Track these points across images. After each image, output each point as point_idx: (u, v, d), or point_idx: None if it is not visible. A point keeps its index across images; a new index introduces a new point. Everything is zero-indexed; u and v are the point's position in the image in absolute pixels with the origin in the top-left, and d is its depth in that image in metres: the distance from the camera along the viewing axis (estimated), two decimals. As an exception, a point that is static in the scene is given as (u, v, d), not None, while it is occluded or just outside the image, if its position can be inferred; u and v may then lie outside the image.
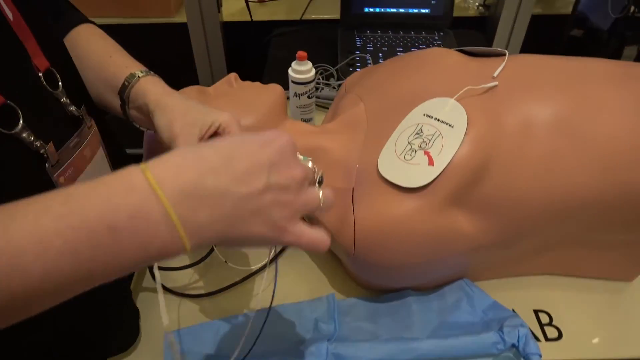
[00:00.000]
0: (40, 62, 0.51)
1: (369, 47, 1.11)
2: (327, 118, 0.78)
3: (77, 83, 0.60)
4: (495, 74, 0.61)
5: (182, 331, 0.60)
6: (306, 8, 1.33)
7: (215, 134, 0.51)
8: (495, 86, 0.60)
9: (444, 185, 0.54)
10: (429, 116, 0.58)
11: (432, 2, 1.15)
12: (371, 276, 0.61)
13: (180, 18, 1.28)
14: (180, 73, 1.36)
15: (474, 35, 1.26)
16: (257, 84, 0.69)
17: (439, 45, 1.11)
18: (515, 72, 0.62)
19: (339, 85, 1.00)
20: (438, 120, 0.57)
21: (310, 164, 0.40)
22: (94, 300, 0.57)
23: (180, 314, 0.64)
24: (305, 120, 0.90)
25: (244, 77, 1.31)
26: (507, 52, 0.65)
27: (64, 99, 0.53)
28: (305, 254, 0.72)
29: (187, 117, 0.51)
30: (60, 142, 0.51)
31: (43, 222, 0.28)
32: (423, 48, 1.11)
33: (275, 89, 0.69)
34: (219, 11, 1.25)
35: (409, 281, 0.62)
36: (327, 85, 1.01)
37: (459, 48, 0.70)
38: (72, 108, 0.54)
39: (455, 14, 1.29)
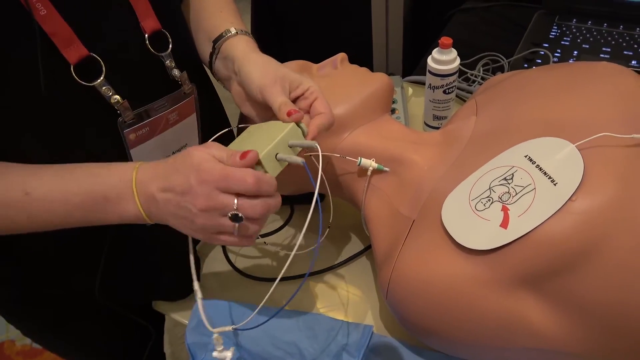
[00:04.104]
0: (149, 24, 0.53)
1: (565, 40, 0.88)
2: (447, 122, 0.65)
3: (188, 48, 0.61)
4: (669, 122, 0.41)
5: (213, 302, 0.60)
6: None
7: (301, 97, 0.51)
8: (660, 140, 0.40)
9: (517, 260, 0.40)
10: (530, 160, 0.42)
11: (683, -10, 0.83)
12: (404, 326, 0.50)
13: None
14: (359, 39, 1.33)
15: None
16: (363, 70, 0.61)
17: (670, 53, 0.81)
18: None
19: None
20: (540, 169, 0.41)
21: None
22: (158, 243, 0.61)
23: (229, 288, 0.64)
24: (438, 119, 0.77)
25: (414, 54, 1.20)
26: None
27: (168, 62, 0.55)
28: (370, 267, 0.64)
29: (278, 71, 0.51)
30: (146, 102, 0.53)
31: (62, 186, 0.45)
32: (643, 53, 0.82)
33: (379, 78, 0.59)
34: (406, -24, 1.14)
35: (448, 353, 0.50)
36: (487, 74, 0.84)
37: (643, 69, 0.48)
38: (175, 72, 0.56)
39: None
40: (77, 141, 0.51)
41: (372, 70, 1.11)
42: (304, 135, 0.48)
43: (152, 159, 0.57)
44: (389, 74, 1.01)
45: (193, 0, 0.63)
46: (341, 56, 0.63)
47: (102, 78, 0.49)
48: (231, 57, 0.56)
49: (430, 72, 0.72)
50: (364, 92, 0.58)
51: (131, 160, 0.55)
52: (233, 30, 0.57)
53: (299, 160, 0.44)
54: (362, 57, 1.37)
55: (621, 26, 0.88)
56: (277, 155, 0.45)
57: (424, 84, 0.91)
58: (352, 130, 0.57)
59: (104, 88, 0.49)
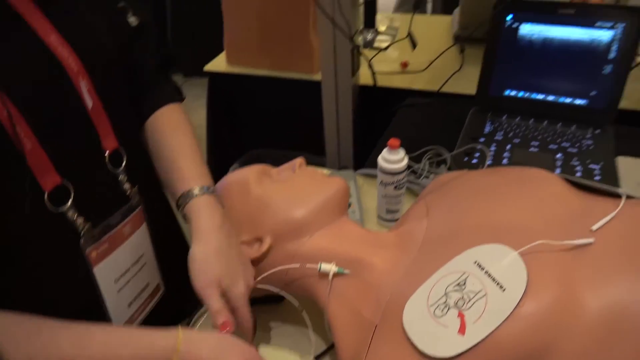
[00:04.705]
0: (109, 143, 0.56)
1: (499, 135, 0.97)
2: (399, 221, 0.69)
3: (141, 163, 0.63)
4: (594, 227, 0.46)
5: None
6: (447, 80, 1.24)
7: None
8: (590, 244, 0.45)
9: (475, 365, 0.42)
10: (480, 266, 0.46)
11: (592, 92, 0.95)
12: None
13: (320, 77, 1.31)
14: (309, 128, 1.40)
15: (649, 137, 1.00)
16: (320, 174, 0.65)
17: (589, 147, 0.91)
18: (625, 228, 0.45)
19: (446, 176, 0.88)
20: (489, 275, 0.45)
21: None
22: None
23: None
24: (391, 212, 0.81)
25: (363, 145, 1.28)
26: (624, 194, 0.48)
27: (121, 177, 0.57)
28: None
29: (216, 272, 0.53)
30: (102, 218, 0.55)
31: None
32: (566, 146, 0.92)
33: (336, 183, 0.63)
34: (353, 75, 1.25)
35: None
36: (434, 173, 0.91)
37: (568, 176, 0.55)
38: (127, 186, 0.58)
39: (630, 106, 1.06)
40: (40, 258, 0.51)
41: (325, 162, 1.16)
42: None
43: (114, 276, 0.57)
44: (341, 168, 1.06)
45: (156, 129, 0.65)
46: (299, 161, 0.66)
47: (69, 203, 0.50)
48: (190, 224, 0.57)
49: (381, 170, 0.77)
50: (322, 196, 0.61)
51: (95, 280, 0.54)
52: (196, 191, 0.58)
53: None
54: (314, 145, 1.44)
55: (545, 122, 0.99)
56: None
57: (375, 176, 0.97)
58: (312, 234, 0.59)
59: (70, 212, 0.51)
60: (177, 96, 0.69)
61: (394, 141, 0.76)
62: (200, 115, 2.87)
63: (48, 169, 0.47)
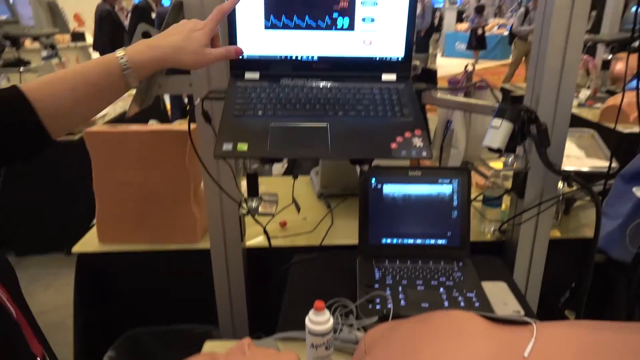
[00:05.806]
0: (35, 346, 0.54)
1: (389, 279, 1.10)
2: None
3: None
4: (526, 354, 0.57)
5: None
6: (325, 235, 1.37)
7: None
8: (529, 369, 0.55)
9: None
10: (458, 411, 0.52)
11: (448, 233, 1.18)
12: None
13: (205, 244, 1.33)
14: (193, 299, 1.36)
15: (494, 262, 1.25)
16: (271, 352, 0.66)
17: (460, 279, 1.10)
18: (547, 347, 0.57)
19: (360, 326, 0.96)
20: (469, 417, 0.51)
21: None
22: None
23: None
24: (323, 372, 0.83)
25: (264, 307, 1.30)
26: (534, 322, 0.61)
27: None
28: None
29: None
30: None
31: None
32: (443, 281, 1.09)
33: (288, 357, 0.65)
34: (242, 239, 1.30)
35: None
36: (346, 325, 0.97)
37: (482, 313, 0.67)
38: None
39: (473, 238, 1.32)
40: None
41: (215, 332, 1.15)
42: None
43: None
44: (257, 337, 1.05)
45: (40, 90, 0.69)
46: (247, 341, 0.67)
47: None
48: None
49: (311, 333, 0.81)
50: (281, 371, 0.62)
51: None
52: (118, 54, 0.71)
53: None
54: (200, 316, 1.39)
55: (420, 261, 1.16)
56: None
57: (293, 339, 0.99)
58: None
59: None
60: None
61: (319, 303, 0.82)
62: (43, 297, 2.51)
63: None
